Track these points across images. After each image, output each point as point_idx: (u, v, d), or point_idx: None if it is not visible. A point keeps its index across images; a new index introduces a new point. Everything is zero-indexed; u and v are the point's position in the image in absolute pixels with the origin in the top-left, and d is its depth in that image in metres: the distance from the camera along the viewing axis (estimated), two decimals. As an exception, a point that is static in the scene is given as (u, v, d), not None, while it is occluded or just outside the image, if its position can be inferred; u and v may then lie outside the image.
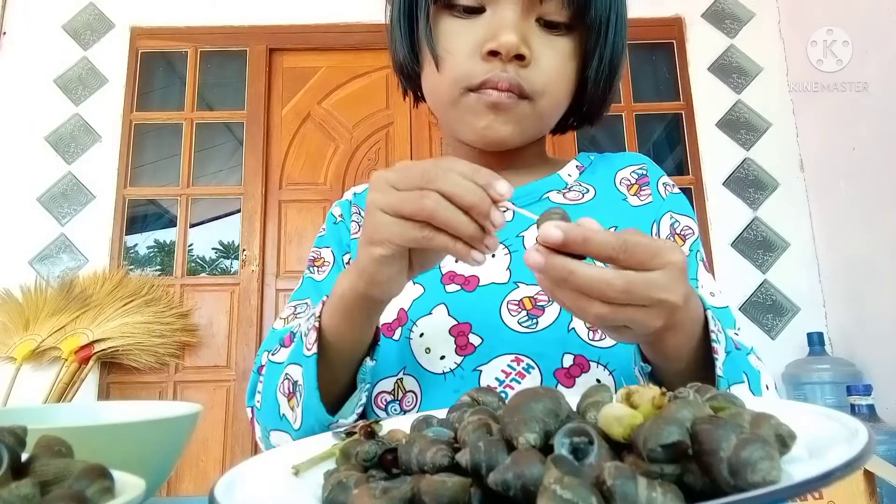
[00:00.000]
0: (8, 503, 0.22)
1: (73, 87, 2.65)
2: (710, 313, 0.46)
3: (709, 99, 2.67)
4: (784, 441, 0.26)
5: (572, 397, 0.32)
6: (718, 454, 0.22)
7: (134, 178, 2.63)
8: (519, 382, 0.57)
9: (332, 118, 2.70)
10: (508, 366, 0.57)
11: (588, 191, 0.69)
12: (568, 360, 0.57)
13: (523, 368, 0.57)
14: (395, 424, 0.38)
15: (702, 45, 2.72)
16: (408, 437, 0.31)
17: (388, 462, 0.31)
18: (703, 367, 0.47)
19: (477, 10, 0.61)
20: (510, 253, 0.64)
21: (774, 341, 2.42)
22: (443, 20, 0.63)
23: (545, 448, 0.26)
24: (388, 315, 0.62)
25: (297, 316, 0.68)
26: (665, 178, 0.70)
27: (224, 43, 2.74)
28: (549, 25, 0.62)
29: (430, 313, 0.61)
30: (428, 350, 0.60)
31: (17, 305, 2.29)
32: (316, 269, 0.74)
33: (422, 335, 0.60)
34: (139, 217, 2.85)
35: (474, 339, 0.59)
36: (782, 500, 0.20)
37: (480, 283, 0.62)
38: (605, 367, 0.57)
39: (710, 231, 2.55)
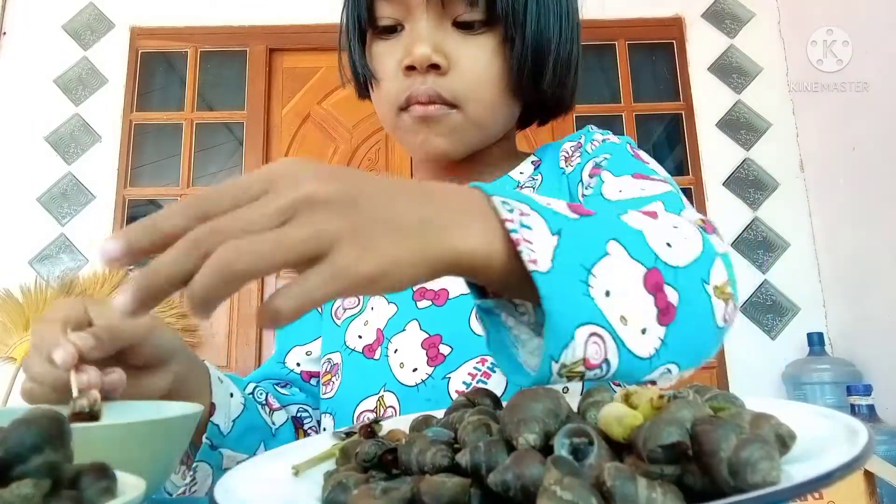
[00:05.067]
0: (8, 503, 0.22)
1: (73, 87, 2.65)
2: (496, 200, 0.32)
3: (709, 99, 2.67)
4: (784, 441, 0.26)
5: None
6: (718, 454, 0.22)
7: (134, 178, 2.63)
8: (485, 383, 0.56)
9: (332, 118, 2.70)
10: (474, 368, 0.57)
11: (536, 181, 0.67)
12: None
13: (488, 368, 0.57)
14: (395, 424, 0.38)
15: (702, 45, 2.72)
16: (408, 438, 0.31)
17: (388, 462, 0.31)
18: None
19: (396, 29, 0.62)
20: None
21: (774, 341, 2.42)
22: (374, 44, 0.64)
23: (545, 448, 0.26)
24: (367, 336, 0.64)
25: None
26: (596, 135, 0.66)
27: (224, 43, 2.74)
28: (465, 26, 0.60)
29: (404, 330, 0.62)
30: (402, 365, 0.60)
31: (17, 305, 2.29)
32: None
33: (396, 351, 0.61)
34: (139, 217, 2.83)
35: (444, 349, 0.59)
36: (782, 501, 0.20)
37: (450, 296, 0.61)
38: None
39: (710, 231, 2.55)
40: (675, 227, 0.38)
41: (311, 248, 0.27)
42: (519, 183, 0.68)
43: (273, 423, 0.64)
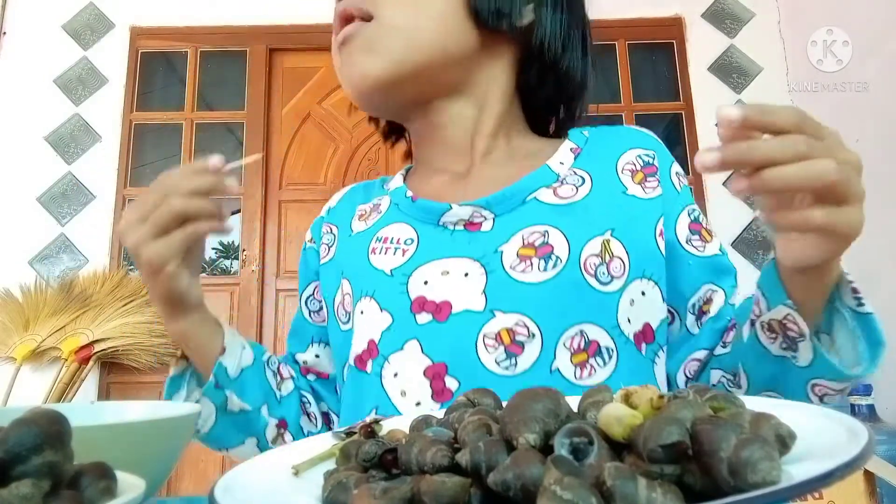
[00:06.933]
0: (7, 503, 0.22)
1: (73, 87, 2.65)
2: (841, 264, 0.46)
3: (709, 99, 2.67)
4: (784, 441, 0.25)
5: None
6: (718, 454, 0.22)
7: (134, 178, 2.63)
8: None
9: (332, 118, 2.70)
10: None
11: (583, 181, 0.59)
12: None
13: None
14: (395, 424, 0.38)
15: (702, 45, 2.72)
16: (408, 437, 0.31)
17: (388, 462, 0.31)
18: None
19: None
20: (486, 273, 0.55)
21: (774, 341, 2.42)
22: None
23: (545, 448, 0.26)
24: (357, 346, 0.59)
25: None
26: (677, 167, 0.62)
27: (224, 43, 2.74)
28: None
29: (402, 349, 0.56)
30: (403, 393, 0.55)
31: (17, 305, 2.29)
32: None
33: (395, 375, 0.56)
34: (139, 217, 2.85)
35: (451, 383, 0.53)
36: (782, 501, 0.20)
37: (454, 311, 0.55)
38: None
39: (710, 231, 2.55)
40: None
41: (845, 193, 0.38)
42: (558, 177, 0.59)
43: (279, 390, 0.63)
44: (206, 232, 0.51)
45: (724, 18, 2.75)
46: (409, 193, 0.62)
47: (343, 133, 2.69)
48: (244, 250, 2.58)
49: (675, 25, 2.76)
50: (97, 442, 0.34)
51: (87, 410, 0.47)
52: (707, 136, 2.64)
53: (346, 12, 0.57)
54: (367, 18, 0.57)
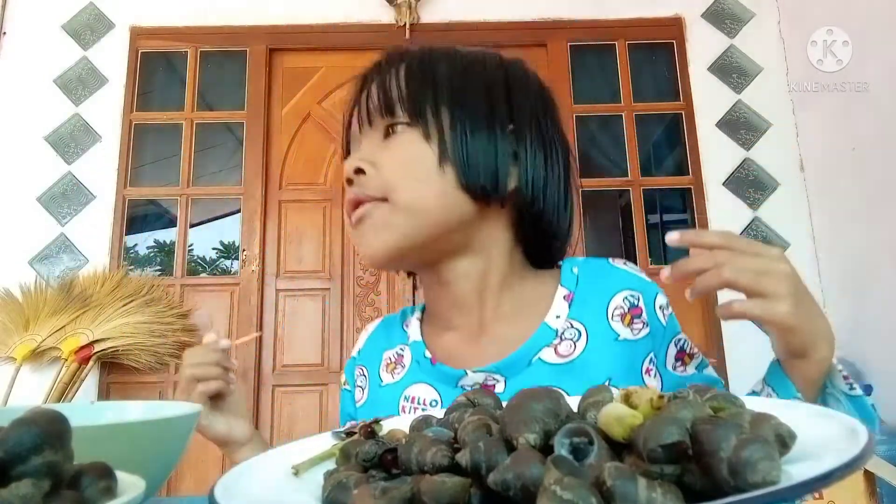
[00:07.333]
0: (8, 503, 0.22)
1: (73, 87, 2.65)
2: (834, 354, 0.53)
3: (709, 99, 2.67)
4: (784, 441, 0.26)
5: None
6: (718, 454, 0.22)
7: (134, 178, 2.63)
8: None
9: (332, 118, 2.70)
10: None
11: (580, 335, 0.62)
12: None
13: None
14: (395, 424, 0.38)
15: (702, 45, 2.72)
16: (408, 437, 0.31)
17: (388, 462, 0.31)
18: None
19: None
20: None
21: (774, 341, 2.42)
22: None
23: (545, 448, 0.26)
24: None
25: None
26: (661, 299, 0.64)
27: (224, 43, 2.74)
28: (389, 133, 0.63)
29: None
30: None
31: (17, 305, 2.29)
32: None
33: None
34: (139, 217, 2.86)
35: None
36: (782, 501, 0.20)
37: None
38: None
39: (710, 231, 2.55)
40: None
41: (760, 291, 0.48)
42: (557, 332, 0.63)
43: None
44: (214, 390, 0.68)
45: (724, 18, 2.75)
46: (428, 354, 0.68)
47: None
48: (244, 250, 2.58)
49: (675, 25, 2.76)
50: (97, 442, 0.34)
51: (87, 410, 0.47)
52: (707, 137, 2.64)
53: (357, 199, 0.63)
54: (382, 200, 0.62)
